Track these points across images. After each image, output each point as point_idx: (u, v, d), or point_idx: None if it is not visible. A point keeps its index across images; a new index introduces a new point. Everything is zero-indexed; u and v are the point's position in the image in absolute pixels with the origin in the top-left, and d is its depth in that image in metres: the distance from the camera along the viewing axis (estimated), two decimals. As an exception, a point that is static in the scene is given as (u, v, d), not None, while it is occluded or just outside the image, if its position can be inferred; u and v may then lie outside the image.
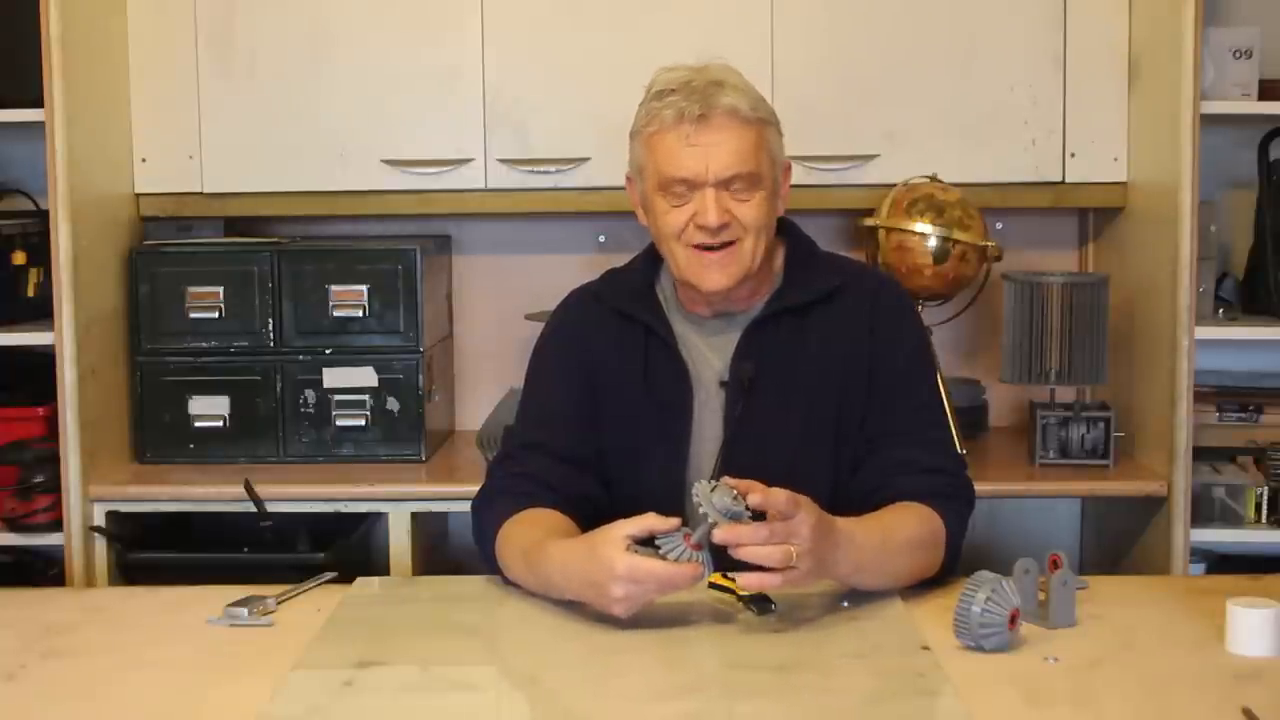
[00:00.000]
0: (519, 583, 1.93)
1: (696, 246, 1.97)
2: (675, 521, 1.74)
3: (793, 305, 2.04)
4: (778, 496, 1.70)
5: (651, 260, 2.12)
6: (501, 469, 2.07)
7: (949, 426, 2.10)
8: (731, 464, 1.95)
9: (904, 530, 1.88)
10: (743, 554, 1.69)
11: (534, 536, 1.90)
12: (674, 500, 1.96)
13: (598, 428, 2.06)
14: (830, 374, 2.01)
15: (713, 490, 1.72)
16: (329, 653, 1.74)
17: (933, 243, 2.74)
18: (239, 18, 2.89)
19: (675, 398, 2.03)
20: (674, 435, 2.02)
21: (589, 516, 1.95)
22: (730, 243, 1.96)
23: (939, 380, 2.15)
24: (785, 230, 2.13)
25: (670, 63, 2.01)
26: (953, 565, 1.97)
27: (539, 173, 2.90)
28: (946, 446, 2.04)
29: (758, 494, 1.70)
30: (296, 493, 2.71)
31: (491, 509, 2.01)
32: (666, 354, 2.05)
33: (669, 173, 1.95)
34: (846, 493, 1.98)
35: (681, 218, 1.96)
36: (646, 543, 1.74)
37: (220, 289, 2.85)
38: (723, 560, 1.75)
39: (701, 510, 1.72)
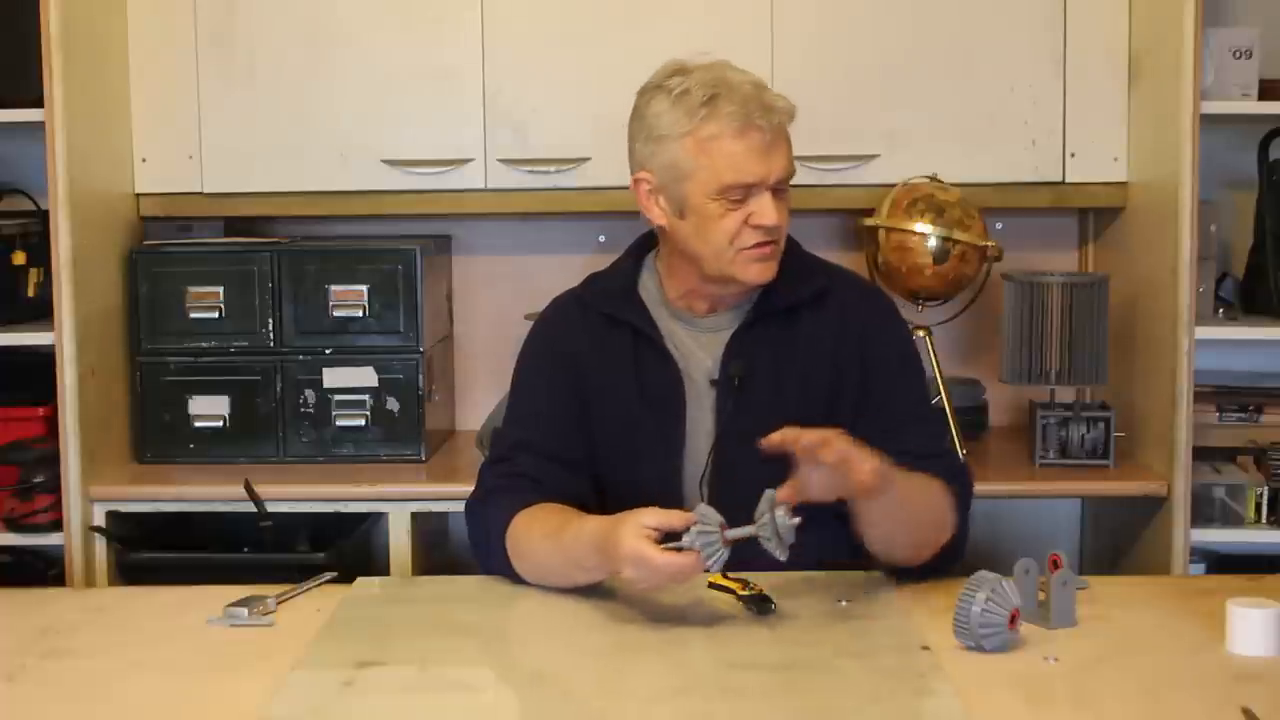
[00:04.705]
0: (534, 571, 1.93)
1: (749, 247, 1.98)
2: (689, 516, 1.75)
3: (782, 306, 2.05)
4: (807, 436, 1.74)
5: (634, 261, 2.13)
6: (494, 470, 2.07)
7: (941, 420, 2.12)
8: (724, 461, 1.97)
9: (925, 492, 1.91)
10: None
11: (559, 519, 1.92)
12: (669, 497, 1.95)
13: (585, 430, 2.06)
14: (820, 371, 2.03)
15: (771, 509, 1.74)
16: (329, 653, 1.74)
17: (933, 243, 2.74)
18: (239, 18, 2.89)
19: (667, 396, 2.04)
20: (667, 433, 2.03)
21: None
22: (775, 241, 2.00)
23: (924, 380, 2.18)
24: None
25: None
26: (961, 546, 1.99)
27: (539, 173, 2.90)
28: (940, 438, 2.08)
29: (777, 437, 1.74)
30: (296, 493, 2.71)
31: (488, 508, 2.01)
32: (656, 353, 2.05)
33: (732, 179, 1.95)
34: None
35: (735, 222, 1.96)
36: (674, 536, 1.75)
37: (220, 289, 2.85)
38: (730, 560, 1.76)
39: (762, 520, 1.74)
